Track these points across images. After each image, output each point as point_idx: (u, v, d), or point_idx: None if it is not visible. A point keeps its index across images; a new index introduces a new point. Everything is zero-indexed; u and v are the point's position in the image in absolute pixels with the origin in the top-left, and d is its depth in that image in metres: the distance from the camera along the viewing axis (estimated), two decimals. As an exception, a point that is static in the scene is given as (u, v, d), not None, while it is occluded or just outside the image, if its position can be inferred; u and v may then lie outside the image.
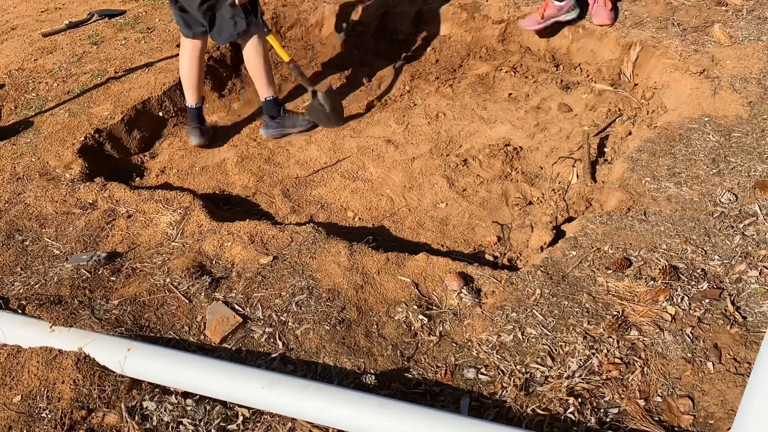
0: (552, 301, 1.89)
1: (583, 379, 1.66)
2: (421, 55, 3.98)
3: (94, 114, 3.26)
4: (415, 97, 3.57)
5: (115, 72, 3.65)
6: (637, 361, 1.69)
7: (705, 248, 2.02)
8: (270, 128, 3.30)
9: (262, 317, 1.94)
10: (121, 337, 1.85)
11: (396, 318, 1.91)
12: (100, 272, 2.16)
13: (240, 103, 3.71)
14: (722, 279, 1.91)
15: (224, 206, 2.82)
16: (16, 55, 4.00)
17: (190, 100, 3.25)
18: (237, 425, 1.63)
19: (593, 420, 1.56)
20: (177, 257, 2.21)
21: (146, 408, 1.67)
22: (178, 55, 3.78)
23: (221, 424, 1.63)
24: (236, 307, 1.97)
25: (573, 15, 3.49)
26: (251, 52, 3.10)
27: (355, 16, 4.11)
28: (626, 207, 2.23)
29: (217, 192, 2.92)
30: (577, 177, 2.80)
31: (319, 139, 3.27)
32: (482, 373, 1.71)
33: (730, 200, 2.19)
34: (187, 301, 2.01)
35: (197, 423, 1.63)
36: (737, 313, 1.79)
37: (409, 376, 1.73)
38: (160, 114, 3.46)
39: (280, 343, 1.85)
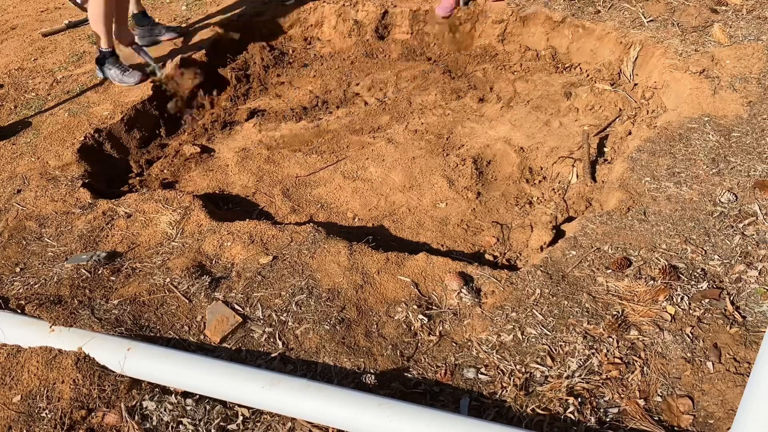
0: (552, 300, 1.89)
1: (582, 378, 1.66)
2: (420, 55, 3.98)
3: (94, 114, 3.26)
4: (414, 96, 3.57)
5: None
6: (636, 361, 1.69)
7: (705, 248, 2.02)
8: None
9: (262, 317, 1.94)
10: (120, 337, 1.85)
11: (396, 318, 1.91)
12: (99, 272, 2.16)
13: (244, 105, 3.70)
14: (722, 279, 1.91)
15: (224, 206, 2.82)
16: (15, 54, 4.00)
17: (109, 44, 3.48)
18: (237, 425, 1.63)
19: (593, 420, 1.56)
20: (177, 257, 2.21)
21: (146, 408, 1.67)
22: (176, 54, 3.79)
23: (221, 423, 1.63)
24: (236, 306, 1.97)
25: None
26: None
27: (355, 15, 4.12)
28: (626, 207, 2.23)
29: (216, 192, 2.92)
30: (577, 177, 2.80)
31: (318, 139, 3.27)
32: (482, 373, 1.71)
33: (729, 200, 2.19)
34: (187, 301, 2.01)
35: (197, 423, 1.63)
36: (737, 313, 1.80)
37: (409, 375, 1.73)
38: (159, 113, 3.45)
39: (280, 343, 1.85)
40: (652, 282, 1.91)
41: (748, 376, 1.61)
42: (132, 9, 3.85)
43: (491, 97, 3.48)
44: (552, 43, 3.72)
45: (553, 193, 2.75)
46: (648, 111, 3.03)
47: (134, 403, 1.68)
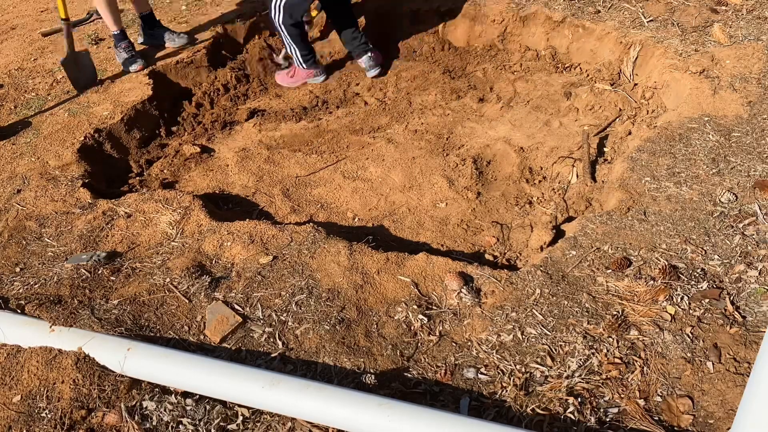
0: (552, 300, 1.89)
1: (582, 378, 1.66)
2: (420, 55, 3.98)
3: (94, 113, 3.26)
4: (414, 96, 3.57)
5: (114, 71, 3.65)
6: (636, 361, 1.69)
7: (705, 248, 2.02)
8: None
9: (261, 317, 1.94)
10: (120, 337, 1.85)
11: (396, 318, 1.91)
12: (99, 272, 2.16)
13: (244, 105, 3.70)
14: (722, 279, 1.91)
15: (224, 206, 2.82)
16: (15, 54, 4.00)
17: (118, 27, 3.63)
18: (237, 425, 1.63)
19: (593, 420, 1.56)
20: (177, 257, 2.21)
21: (146, 408, 1.67)
22: (176, 54, 3.79)
23: (221, 423, 1.63)
24: (236, 306, 1.97)
25: (320, 79, 3.82)
26: None
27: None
28: (626, 207, 2.23)
29: (216, 192, 2.92)
30: (577, 177, 2.80)
31: (318, 139, 3.27)
32: (482, 373, 1.71)
33: (729, 200, 2.19)
34: (187, 301, 2.01)
35: (197, 423, 1.63)
36: (737, 313, 1.80)
37: (409, 375, 1.73)
38: (159, 113, 3.46)
39: (279, 343, 1.85)
40: (652, 282, 1.91)
41: (748, 376, 1.61)
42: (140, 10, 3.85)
43: (491, 97, 3.48)
44: (552, 43, 3.72)
45: (553, 193, 2.75)
46: (648, 111, 3.03)
47: (134, 403, 1.68)
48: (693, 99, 2.77)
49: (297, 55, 3.66)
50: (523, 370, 1.71)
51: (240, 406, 1.67)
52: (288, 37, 3.58)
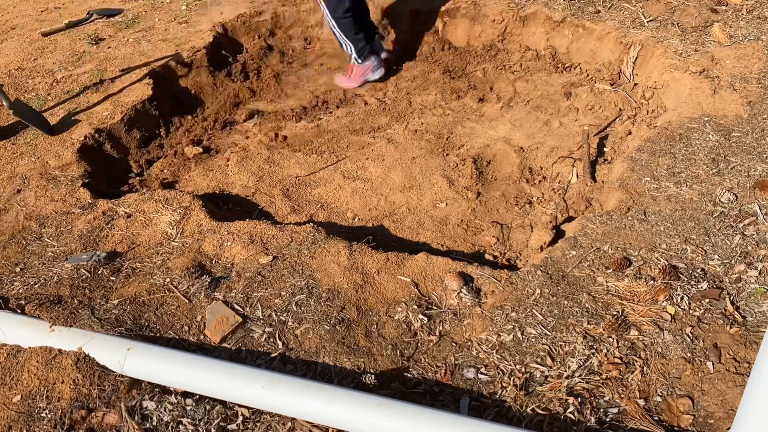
0: (552, 300, 1.89)
1: (582, 378, 1.66)
2: (420, 55, 3.98)
3: (94, 113, 3.26)
4: (414, 96, 3.57)
5: (114, 71, 3.65)
6: (636, 361, 1.69)
7: (705, 248, 2.02)
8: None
9: (261, 317, 1.94)
10: (120, 337, 1.85)
11: (396, 318, 1.91)
12: (99, 272, 2.16)
13: (244, 106, 3.71)
14: (722, 279, 1.91)
15: (224, 206, 2.82)
16: (15, 54, 4.00)
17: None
18: (237, 425, 1.63)
19: (593, 420, 1.57)
20: (177, 257, 2.21)
21: (146, 408, 1.67)
22: (176, 54, 3.79)
23: (221, 423, 1.63)
24: (236, 306, 1.97)
25: (378, 74, 3.72)
26: None
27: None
28: (626, 207, 2.23)
29: (216, 192, 2.92)
30: (577, 177, 2.80)
31: (318, 139, 3.27)
32: (482, 373, 1.71)
33: (729, 200, 2.19)
34: (187, 301, 2.01)
35: (197, 423, 1.63)
36: (737, 313, 1.80)
37: (409, 375, 1.73)
38: (159, 113, 3.45)
39: (279, 343, 1.85)
40: (652, 282, 1.91)
41: (748, 376, 1.61)
42: None
43: (491, 97, 3.48)
44: (552, 43, 3.72)
45: (553, 193, 2.75)
46: (648, 111, 3.03)
47: (134, 403, 1.68)
48: (693, 99, 2.77)
49: (351, 50, 3.60)
50: (523, 370, 1.71)
51: (240, 406, 1.67)
52: (340, 31, 3.53)
